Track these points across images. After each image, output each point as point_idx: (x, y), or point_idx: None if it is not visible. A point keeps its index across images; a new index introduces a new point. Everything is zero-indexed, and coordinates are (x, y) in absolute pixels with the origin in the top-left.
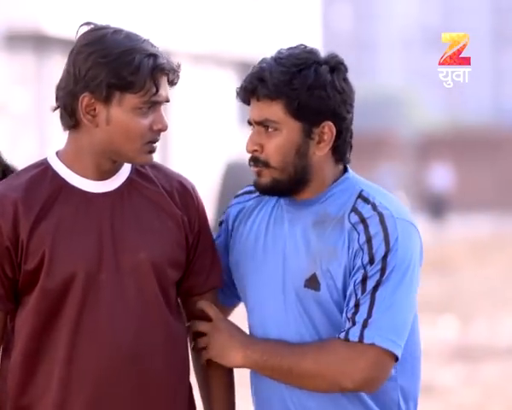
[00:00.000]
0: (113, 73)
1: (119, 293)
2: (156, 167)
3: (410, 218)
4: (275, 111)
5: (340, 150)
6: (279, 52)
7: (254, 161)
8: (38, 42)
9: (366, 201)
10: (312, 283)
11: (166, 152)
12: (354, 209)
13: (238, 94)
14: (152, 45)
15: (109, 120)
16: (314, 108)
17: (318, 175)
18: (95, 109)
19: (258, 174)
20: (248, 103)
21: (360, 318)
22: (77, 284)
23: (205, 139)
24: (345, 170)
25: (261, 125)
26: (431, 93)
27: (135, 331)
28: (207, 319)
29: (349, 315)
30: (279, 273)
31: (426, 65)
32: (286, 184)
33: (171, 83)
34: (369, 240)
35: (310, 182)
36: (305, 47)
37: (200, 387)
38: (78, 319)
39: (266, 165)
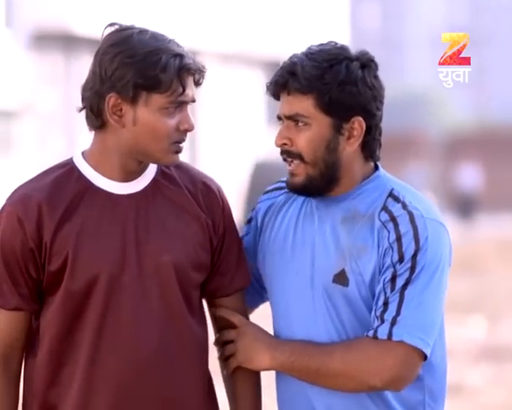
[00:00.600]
0: (139, 73)
1: (141, 295)
2: (181, 168)
3: (440, 218)
4: (305, 105)
5: (370, 147)
6: (310, 48)
7: (287, 153)
8: (67, 42)
9: (396, 199)
10: (341, 278)
11: (194, 152)
12: (384, 208)
13: (268, 88)
14: (178, 45)
15: (136, 120)
16: (345, 103)
17: (348, 171)
18: (121, 110)
19: (293, 173)
20: (278, 98)
21: (389, 316)
22: (100, 285)
23: (233, 139)
24: (375, 168)
25: (291, 119)
26: (459, 92)
27: (157, 334)
28: (233, 323)
29: (378, 313)
30: (307, 269)
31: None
32: (318, 181)
33: (197, 83)
34: (398, 238)
35: (340, 179)
36: (336, 43)
37: (226, 389)
38: (101, 320)
39: (301, 158)
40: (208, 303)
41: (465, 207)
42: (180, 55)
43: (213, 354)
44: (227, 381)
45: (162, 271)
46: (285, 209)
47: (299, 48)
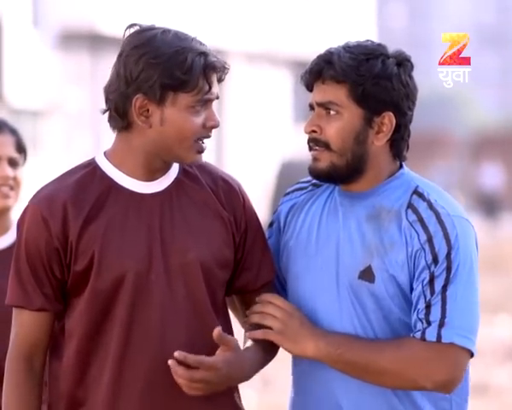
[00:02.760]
0: (166, 73)
1: (168, 293)
2: (202, 167)
3: (465, 214)
4: (339, 94)
5: (398, 146)
6: (347, 42)
7: (314, 141)
8: (93, 41)
9: (421, 197)
10: (367, 274)
11: (221, 152)
12: (410, 205)
13: (303, 78)
14: (201, 43)
15: (163, 120)
16: (378, 96)
17: (374, 166)
18: (148, 110)
19: (316, 158)
20: (311, 89)
21: (435, 318)
22: (127, 284)
23: (259, 139)
24: (400, 167)
25: (323, 106)
26: (484, 92)
27: (184, 331)
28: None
29: (421, 316)
30: (332, 265)
31: (480, 63)
32: (343, 170)
33: (220, 80)
34: (429, 239)
35: (365, 172)
36: (373, 42)
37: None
38: (129, 319)
39: (327, 146)
40: (240, 302)
41: (489, 206)
42: (204, 54)
43: None
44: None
45: (188, 269)
46: (308, 207)
47: (326, 47)
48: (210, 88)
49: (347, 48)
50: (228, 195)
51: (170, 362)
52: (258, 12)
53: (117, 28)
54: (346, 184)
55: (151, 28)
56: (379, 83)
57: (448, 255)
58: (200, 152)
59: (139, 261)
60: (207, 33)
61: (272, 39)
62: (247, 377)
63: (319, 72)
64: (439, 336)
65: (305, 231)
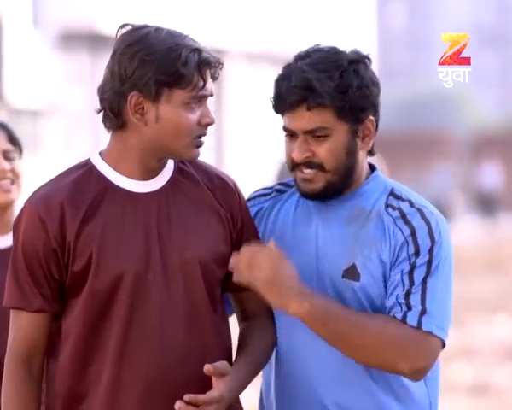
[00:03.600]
0: (160, 69)
1: (166, 292)
2: (197, 165)
3: (441, 215)
4: (326, 118)
5: (372, 143)
6: (306, 56)
7: (308, 165)
8: (93, 41)
9: (399, 198)
10: (351, 273)
11: (221, 151)
12: (389, 205)
13: (275, 104)
14: (194, 40)
15: (159, 117)
16: (361, 106)
17: (359, 171)
18: (143, 108)
19: (309, 179)
20: (283, 114)
21: (415, 303)
22: (125, 284)
23: (259, 138)
24: (371, 168)
25: (310, 133)
26: (484, 92)
27: (183, 330)
28: (260, 313)
29: (400, 300)
30: (311, 267)
31: (480, 63)
32: (338, 186)
33: (214, 77)
34: (413, 232)
35: (354, 180)
36: (327, 47)
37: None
38: (127, 319)
39: (321, 168)
40: (233, 300)
41: (488, 206)
42: (198, 50)
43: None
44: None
45: (187, 267)
46: (275, 212)
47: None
48: (204, 83)
49: (314, 65)
50: (224, 192)
51: (178, 405)
52: (257, 12)
53: (117, 28)
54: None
55: (144, 27)
56: (360, 94)
57: (431, 250)
58: (199, 147)
59: (137, 261)
60: (207, 33)
61: (272, 39)
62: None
63: (303, 100)
64: (419, 323)
65: (276, 236)
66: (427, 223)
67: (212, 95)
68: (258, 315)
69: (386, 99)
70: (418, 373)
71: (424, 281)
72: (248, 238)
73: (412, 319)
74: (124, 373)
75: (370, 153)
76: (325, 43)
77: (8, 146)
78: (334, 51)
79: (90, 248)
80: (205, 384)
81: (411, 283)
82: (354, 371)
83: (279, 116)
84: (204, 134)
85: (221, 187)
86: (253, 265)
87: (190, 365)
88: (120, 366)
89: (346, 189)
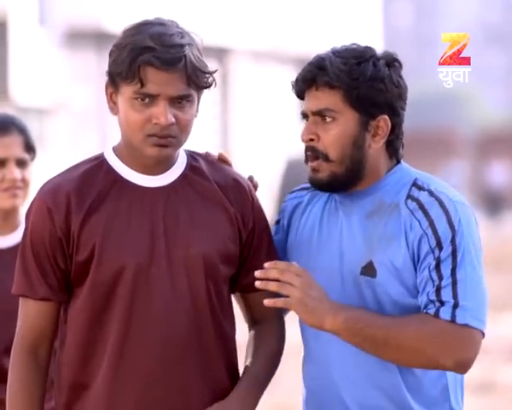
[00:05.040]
0: (113, 62)
1: (170, 287)
2: (213, 165)
3: (465, 200)
4: (334, 100)
5: (393, 145)
6: (334, 47)
7: (312, 150)
8: (99, 39)
9: (421, 188)
10: (369, 270)
11: (227, 150)
12: (410, 196)
13: (294, 86)
14: (181, 36)
15: (119, 108)
16: (372, 99)
17: (373, 169)
18: (114, 100)
19: (316, 169)
20: (302, 97)
21: (447, 299)
22: (126, 276)
23: (265, 137)
24: (397, 162)
25: (318, 114)
26: (490, 90)
27: (185, 325)
28: (268, 315)
29: (432, 298)
30: (336, 263)
31: (486, 61)
32: (343, 178)
33: (191, 82)
34: (431, 223)
35: (364, 176)
36: (360, 45)
37: (245, 356)
38: (128, 312)
39: (326, 158)
40: (242, 300)
41: (495, 204)
42: (150, 48)
43: (241, 352)
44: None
45: (191, 263)
46: (309, 208)
47: (332, 45)
48: (142, 82)
49: (337, 52)
50: (236, 192)
51: None
52: (264, 10)
53: (123, 26)
54: (340, 191)
55: (143, 21)
56: (373, 85)
57: (453, 240)
58: (159, 146)
59: (140, 254)
60: (213, 32)
61: (278, 37)
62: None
63: (312, 78)
64: (453, 317)
65: (306, 232)
66: (446, 212)
67: (180, 97)
68: (266, 318)
69: None
70: (463, 366)
71: (453, 273)
72: (259, 241)
73: (445, 313)
74: (123, 366)
75: (395, 156)
76: (331, 41)
77: (23, 155)
78: (363, 46)
79: (93, 240)
80: (205, 377)
81: (440, 277)
82: (378, 372)
83: (285, 115)
84: (158, 134)
85: (233, 187)
86: (283, 286)
87: (190, 359)
88: (120, 358)
89: (356, 183)
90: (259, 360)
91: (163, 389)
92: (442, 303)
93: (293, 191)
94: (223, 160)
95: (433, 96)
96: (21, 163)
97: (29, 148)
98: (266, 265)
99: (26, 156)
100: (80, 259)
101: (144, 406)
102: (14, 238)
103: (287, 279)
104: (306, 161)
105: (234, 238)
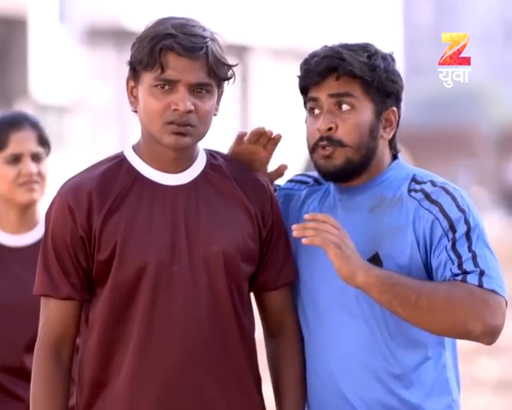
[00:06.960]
0: (135, 52)
1: (191, 285)
2: (232, 163)
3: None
4: (354, 89)
5: (394, 138)
6: (333, 44)
7: (328, 140)
8: (119, 37)
9: (421, 182)
10: (374, 262)
11: None
12: (413, 189)
13: (303, 78)
14: (179, 27)
15: (139, 99)
16: (387, 90)
17: (379, 160)
18: (135, 95)
19: (329, 156)
20: (306, 92)
21: (472, 269)
22: (148, 275)
23: (285, 135)
24: (394, 158)
25: (337, 97)
26: (510, 87)
27: (206, 323)
28: (282, 314)
29: (456, 271)
30: None
31: (507, 59)
32: (358, 165)
33: (213, 73)
34: (441, 209)
35: (370, 166)
36: (358, 41)
37: (272, 377)
38: (150, 310)
39: (340, 144)
40: (258, 298)
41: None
42: (171, 35)
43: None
44: (272, 362)
45: (212, 261)
46: (308, 204)
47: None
48: (162, 67)
49: (344, 46)
50: (256, 190)
51: None
52: (283, 8)
53: (143, 24)
54: (349, 181)
55: (165, 16)
56: (388, 77)
57: (465, 220)
58: (178, 134)
59: (161, 252)
60: (233, 30)
61: (298, 35)
62: None
63: (334, 68)
64: (480, 282)
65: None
66: (453, 198)
67: (197, 84)
68: (284, 329)
69: (412, 95)
70: (491, 333)
71: (470, 249)
72: (277, 239)
73: (473, 279)
74: (144, 364)
75: (394, 149)
76: (351, 39)
77: (37, 149)
78: (363, 42)
79: (114, 238)
80: (227, 375)
81: (459, 256)
82: (379, 365)
83: (305, 112)
84: (177, 121)
85: (253, 185)
86: (322, 232)
87: (213, 356)
88: (141, 356)
89: (365, 172)
90: (293, 393)
91: (185, 387)
92: (467, 273)
93: (291, 180)
94: (281, 172)
95: (453, 93)
96: (36, 157)
97: (43, 142)
98: (306, 216)
99: (41, 150)
100: (102, 257)
101: (165, 404)
102: (32, 236)
103: (324, 228)
104: (313, 151)
105: (254, 237)
